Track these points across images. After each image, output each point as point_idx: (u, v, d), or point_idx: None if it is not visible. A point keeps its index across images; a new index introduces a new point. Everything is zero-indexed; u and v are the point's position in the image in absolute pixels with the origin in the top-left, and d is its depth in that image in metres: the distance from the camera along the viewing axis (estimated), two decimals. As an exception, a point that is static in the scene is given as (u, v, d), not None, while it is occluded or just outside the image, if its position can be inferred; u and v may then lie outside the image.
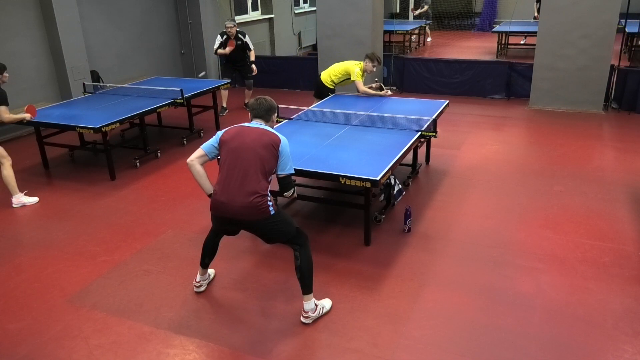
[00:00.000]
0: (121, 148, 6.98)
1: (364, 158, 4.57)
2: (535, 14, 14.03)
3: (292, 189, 3.63)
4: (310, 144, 4.95)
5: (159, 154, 6.88)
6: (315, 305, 3.57)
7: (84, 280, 4.14)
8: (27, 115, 5.71)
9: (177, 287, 4.02)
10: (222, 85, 7.99)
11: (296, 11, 14.73)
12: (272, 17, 13.39)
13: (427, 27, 15.79)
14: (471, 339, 3.38)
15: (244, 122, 3.59)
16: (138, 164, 6.55)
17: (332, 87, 6.88)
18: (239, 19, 12.36)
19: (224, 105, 8.88)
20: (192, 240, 4.67)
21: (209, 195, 3.55)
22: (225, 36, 8.43)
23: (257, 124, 3.54)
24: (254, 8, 13.20)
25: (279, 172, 3.48)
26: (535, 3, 14.14)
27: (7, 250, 4.65)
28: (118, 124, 6.08)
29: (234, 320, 3.62)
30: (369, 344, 3.35)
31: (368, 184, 4.12)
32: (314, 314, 3.55)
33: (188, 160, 3.52)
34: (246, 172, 3.36)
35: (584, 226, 4.76)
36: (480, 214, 5.06)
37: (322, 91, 6.94)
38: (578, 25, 7.93)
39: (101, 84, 8.52)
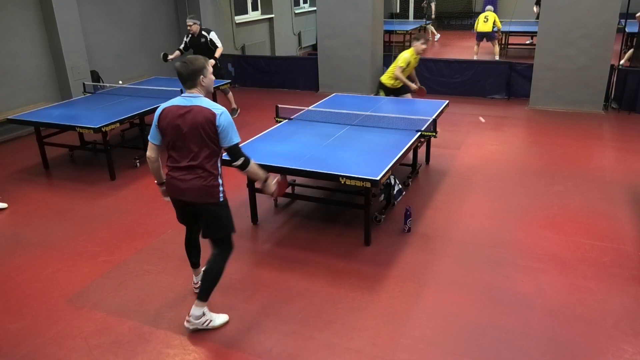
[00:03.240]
0: (121, 148, 6.98)
1: (364, 158, 4.57)
2: (535, 11, 14.07)
3: (242, 158, 3.34)
4: (310, 144, 4.95)
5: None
6: (203, 314, 3.47)
7: (84, 280, 4.14)
8: None
9: (177, 287, 4.02)
10: (222, 85, 7.98)
11: (296, 11, 14.74)
12: (272, 17, 13.40)
13: (430, 26, 15.83)
14: (471, 339, 3.38)
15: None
16: (138, 164, 6.55)
17: (395, 87, 6.89)
18: (239, 19, 12.37)
19: (234, 106, 8.56)
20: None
21: (159, 184, 3.54)
22: (189, 35, 8.09)
23: (188, 96, 3.27)
24: (254, 8, 13.20)
25: (224, 145, 3.29)
26: (534, 6, 14.16)
27: (7, 250, 4.66)
28: (118, 124, 6.08)
29: (234, 320, 3.62)
30: (369, 344, 3.35)
31: (368, 184, 4.12)
32: (197, 322, 3.46)
33: (147, 155, 3.44)
34: (192, 153, 3.26)
35: (584, 226, 4.76)
36: (480, 214, 5.06)
37: (388, 94, 7.00)
38: (578, 25, 7.93)
39: (101, 84, 8.52)
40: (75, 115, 6.38)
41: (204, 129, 3.20)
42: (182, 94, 3.33)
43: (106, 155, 6.14)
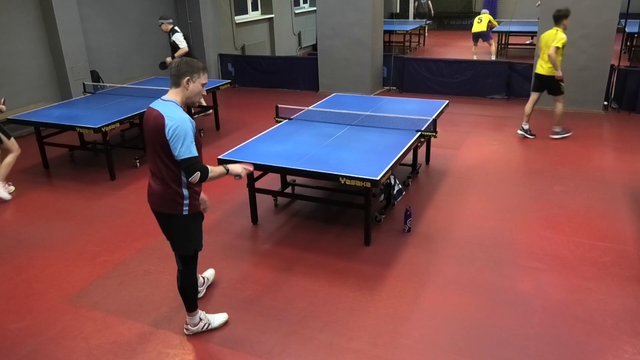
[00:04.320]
0: (121, 148, 6.97)
1: (364, 158, 4.57)
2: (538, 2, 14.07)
3: (196, 173, 3.03)
4: (310, 144, 4.95)
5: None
6: (200, 319, 3.48)
7: (84, 280, 4.14)
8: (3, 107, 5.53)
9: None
10: (222, 85, 7.98)
11: (296, 11, 14.74)
12: (272, 17, 13.39)
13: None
14: (471, 339, 3.38)
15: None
16: (138, 164, 6.55)
17: (551, 74, 6.70)
18: (239, 19, 12.37)
19: None
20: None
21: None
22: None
23: (162, 99, 3.12)
24: (254, 8, 13.20)
25: (175, 157, 3.00)
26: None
27: (7, 250, 4.65)
28: (118, 124, 6.08)
29: (234, 320, 3.62)
30: (369, 344, 3.35)
31: (368, 184, 4.12)
32: (195, 328, 3.47)
33: None
34: (153, 159, 3.12)
35: (584, 226, 4.76)
36: (480, 214, 5.06)
37: (544, 84, 6.86)
38: (578, 25, 7.91)
39: (101, 84, 8.52)
40: (75, 115, 6.38)
41: (156, 137, 3.01)
42: (162, 97, 3.18)
43: (106, 155, 6.14)
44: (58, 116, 6.36)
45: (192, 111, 8.13)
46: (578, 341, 3.33)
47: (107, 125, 5.90)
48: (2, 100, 5.59)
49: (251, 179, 4.85)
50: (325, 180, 4.92)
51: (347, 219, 5.03)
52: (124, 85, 7.92)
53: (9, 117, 6.58)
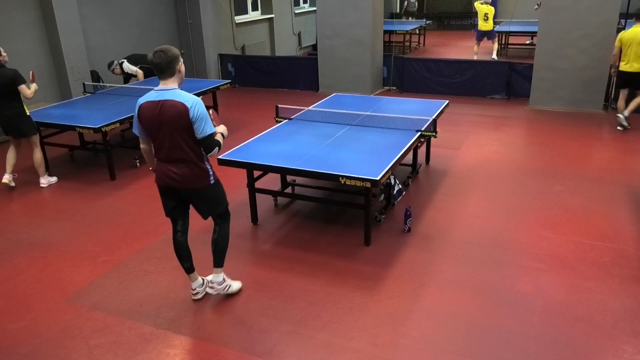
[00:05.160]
0: (121, 148, 6.98)
1: (364, 158, 4.57)
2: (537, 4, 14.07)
3: (216, 148, 3.42)
4: (310, 144, 4.95)
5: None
6: (224, 279, 3.78)
7: (84, 280, 4.14)
8: (35, 84, 5.75)
9: (177, 287, 4.02)
10: (222, 85, 7.98)
11: (296, 11, 14.74)
12: (272, 17, 13.39)
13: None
14: (471, 339, 3.38)
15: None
16: (138, 164, 6.55)
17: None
18: (239, 19, 12.37)
19: None
20: (192, 240, 4.64)
21: (153, 171, 3.63)
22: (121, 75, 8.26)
23: (161, 89, 3.30)
24: (254, 8, 13.20)
25: (198, 135, 3.32)
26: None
27: (7, 250, 4.66)
28: (118, 124, 6.08)
29: (234, 320, 3.63)
30: (369, 344, 3.35)
31: (368, 184, 4.12)
32: (219, 287, 3.76)
33: (141, 147, 3.61)
34: (176, 145, 3.34)
35: (584, 226, 4.76)
36: (480, 214, 5.06)
37: (635, 80, 7.08)
38: (578, 25, 7.93)
39: (101, 84, 8.52)
40: (75, 115, 6.38)
41: (180, 122, 3.25)
42: (155, 88, 3.34)
43: (106, 155, 6.15)
44: (58, 116, 6.36)
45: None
46: (578, 341, 3.33)
47: (107, 125, 5.90)
48: (31, 74, 5.69)
49: (251, 179, 4.85)
50: (325, 180, 4.92)
51: (347, 219, 5.03)
52: (124, 85, 7.92)
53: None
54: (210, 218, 3.73)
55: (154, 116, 3.29)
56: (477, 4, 12.35)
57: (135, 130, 3.50)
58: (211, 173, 3.53)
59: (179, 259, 3.77)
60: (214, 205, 3.64)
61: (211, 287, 3.78)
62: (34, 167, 5.97)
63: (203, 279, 3.89)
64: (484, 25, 12.02)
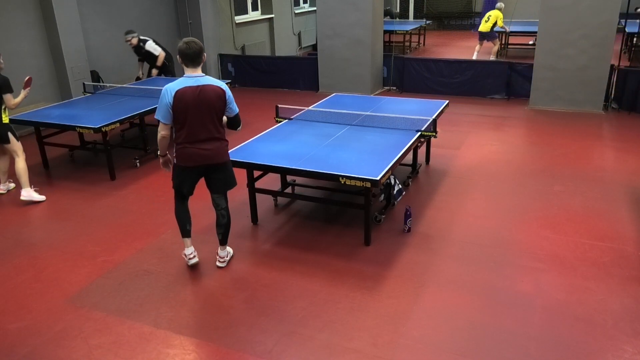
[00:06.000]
0: (121, 148, 6.98)
1: (364, 158, 4.57)
2: None
3: (240, 124, 4.14)
4: (310, 144, 4.95)
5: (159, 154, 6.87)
6: (228, 251, 4.28)
7: (84, 280, 4.14)
8: (27, 90, 5.58)
9: (177, 287, 4.02)
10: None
11: (296, 11, 14.73)
12: (272, 17, 13.39)
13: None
14: (471, 339, 3.38)
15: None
16: (138, 164, 6.55)
17: None
18: (239, 19, 12.37)
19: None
20: (193, 240, 4.67)
21: (162, 156, 4.08)
22: (133, 49, 8.26)
23: (195, 76, 3.78)
24: (254, 8, 13.20)
25: (229, 114, 3.96)
26: None
27: (7, 250, 4.65)
28: (118, 124, 6.08)
29: (234, 320, 3.62)
30: (369, 344, 3.35)
31: (368, 184, 4.12)
32: (228, 258, 4.28)
33: (161, 135, 3.88)
34: (209, 122, 3.82)
35: (584, 226, 4.76)
36: (480, 214, 5.06)
37: None
38: (578, 25, 7.93)
39: (101, 84, 8.52)
40: (75, 115, 6.38)
41: (217, 104, 3.79)
42: (187, 75, 3.78)
43: (106, 155, 6.14)
44: (58, 116, 6.36)
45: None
46: (578, 341, 3.33)
47: (107, 125, 5.90)
48: (27, 80, 5.60)
49: (251, 179, 4.85)
50: (325, 180, 4.92)
51: (347, 219, 5.03)
52: (124, 85, 7.92)
53: (9, 117, 6.57)
54: (212, 208, 4.12)
55: (194, 99, 3.70)
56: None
57: (161, 115, 3.79)
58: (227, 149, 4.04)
59: (183, 223, 4.16)
60: (231, 179, 4.07)
61: (222, 262, 4.23)
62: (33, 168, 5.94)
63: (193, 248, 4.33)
64: (482, 26, 12.04)
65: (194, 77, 3.76)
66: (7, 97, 5.35)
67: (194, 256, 4.22)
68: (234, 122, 4.07)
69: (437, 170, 6.15)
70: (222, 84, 3.85)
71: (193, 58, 3.74)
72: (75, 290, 4.01)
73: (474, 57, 11.95)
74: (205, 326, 3.58)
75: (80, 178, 6.28)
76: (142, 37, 8.21)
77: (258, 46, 12.91)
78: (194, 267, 4.23)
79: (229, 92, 3.88)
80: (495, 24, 11.93)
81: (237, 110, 4.01)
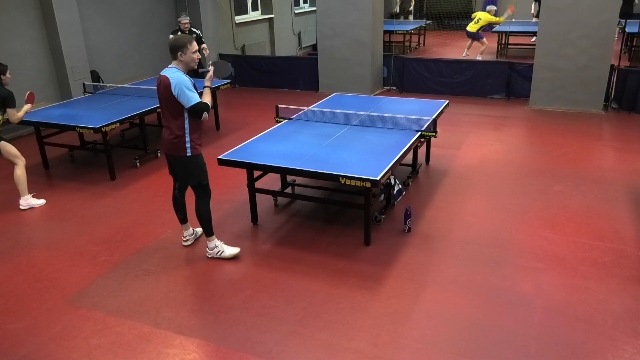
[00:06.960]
0: (121, 148, 6.98)
1: (364, 158, 4.57)
2: (533, 12, 14.06)
3: (204, 113, 3.96)
4: (310, 144, 4.95)
5: (159, 154, 6.88)
6: (215, 246, 4.32)
7: (84, 280, 4.14)
8: (29, 106, 5.59)
9: (177, 287, 4.02)
10: (222, 85, 7.98)
11: (296, 11, 14.73)
12: (272, 17, 13.39)
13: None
14: (471, 339, 3.38)
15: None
16: (138, 164, 6.55)
17: None
18: (239, 19, 12.37)
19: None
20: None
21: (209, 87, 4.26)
22: (180, 32, 8.27)
23: (167, 67, 3.97)
24: (254, 8, 13.20)
25: (185, 107, 3.90)
26: (533, 3, 14.13)
27: (7, 250, 4.66)
28: (118, 124, 6.08)
29: (234, 320, 3.63)
30: (369, 344, 3.35)
31: (368, 184, 4.12)
32: (212, 252, 4.33)
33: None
34: (164, 114, 4.04)
35: (584, 226, 4.76)
36: (480, 214, 5.06)
37: None
38: (578, 25, 7.93)
39: (101, 84, 8.52)
40: (75, 115, 6.38)
41: (166, 94, 3.88)
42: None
43: (106, 155, 6.14)
44: (58, 116, 6.35)
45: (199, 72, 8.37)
46: (578, 341, 3.33)
47: (107, 125, 5.90)
48: (29, 95, 5.60)
49: (251, 179, 4.85)
50: (325, 180, 4.91)
51: (347, 219, 5.03)
52: (124, 85, 7.92)
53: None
54: (216, 206, 4.44)
55: (157, 89, 3.97)
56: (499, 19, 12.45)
57: None
58: (188, 146, 3.97)
59: (175, 210, 4.44)
60: (187, 175, 4.15)
61: (207, 252, 4.35)
62: (31, 168, 5.94)
63: (194, 230, 4.63)
64: (470, 26, 12.23)
65: (166, 68, 3.98)
66: (11, 112, 5.33)
67: (188, 239, 4.56)
68: (194, 113, 3.94)
69: (437, 170, 6.15)
70: (172, 74, 3.88)
71: (170, 51, 3.96)
72: (75, 290, 4.01)
73: (464, 55, 12.12)
74: (205, 326, 3.58)
75: (80, 178, 6.28)
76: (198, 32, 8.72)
77: (258, 46, 12.91)
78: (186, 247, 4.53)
79: (176, 82, 3.82)
80: (481, 27, 12.06)
81: (193, 101, 3.87)
